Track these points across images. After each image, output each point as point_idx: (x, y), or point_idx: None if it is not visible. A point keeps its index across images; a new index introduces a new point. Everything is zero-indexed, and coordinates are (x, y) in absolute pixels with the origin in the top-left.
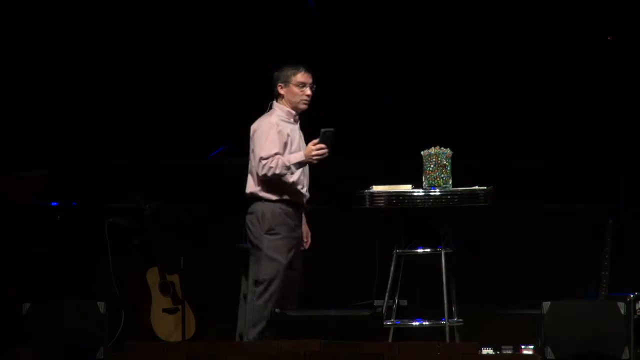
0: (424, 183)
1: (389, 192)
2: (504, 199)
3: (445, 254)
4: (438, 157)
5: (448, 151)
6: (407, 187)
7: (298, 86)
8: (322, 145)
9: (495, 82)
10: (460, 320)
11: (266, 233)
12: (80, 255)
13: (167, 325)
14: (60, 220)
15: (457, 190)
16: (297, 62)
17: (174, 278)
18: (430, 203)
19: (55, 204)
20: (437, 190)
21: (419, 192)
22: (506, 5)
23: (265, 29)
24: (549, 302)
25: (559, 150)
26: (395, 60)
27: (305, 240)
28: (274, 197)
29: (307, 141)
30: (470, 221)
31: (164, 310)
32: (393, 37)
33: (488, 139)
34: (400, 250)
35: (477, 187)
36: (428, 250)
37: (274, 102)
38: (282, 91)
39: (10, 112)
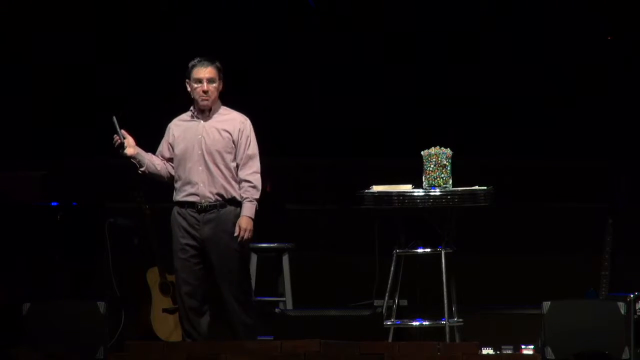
0: (424, 183)
1: (389, 192)
2: (504, 199)
3: (445, 254)
4: (438, 157)
5: (448, 151)
6: (407, 187)
7: (195, 82)
8: (115, 137)
9: (495, 82)
10: (460, 320)
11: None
12: (80, 255)
13: (167, 325)
14: (60, 220)
15: (457, 190)
16: (199, 55)
17: (174, 278)
18: (430, 203)
19: (55, 204)
20: (437, 190)
21: (419, 192)
22: (506, 4)
23: (265, 29)
24: (549, 302)
25: (559, 150)
26: (395, 60)
27: (235, 233)
28: (173, 198)
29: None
30: (470, 221)
31: (164, 310)
32: (392, 36)
33: (488, 139)
34: (400, 250)
35: (477, 187)
36: (428, 250)
37: None
38: (188, 88)
39: (10, 112)
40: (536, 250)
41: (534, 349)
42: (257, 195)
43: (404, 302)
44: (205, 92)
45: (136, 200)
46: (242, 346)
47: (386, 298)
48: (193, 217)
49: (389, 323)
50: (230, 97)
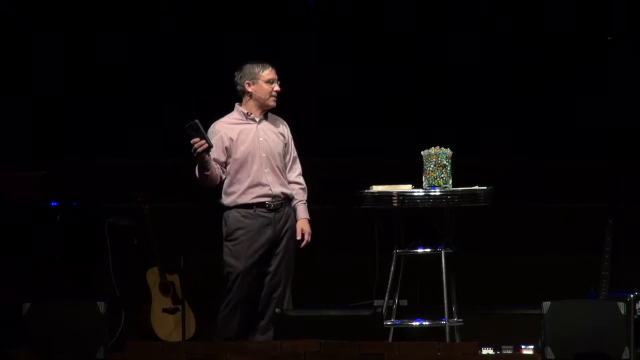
0: (424, 183)
1: (389, 192)
2: (504, 199)
3: (445, 254)
4: (438, 157)
5: (448, 151)
6: (407, 187)
7: (267, 82)
8: (195, 140)
9: (495, 82)
10: (460, 320)
11: (225, 240)
12: (80, 255)
13: (167, 325)
14: (60, 220)
15: (457, 190)
16: (262, 60)
17: (174, 278)
18: (430, 203)
19: (55, 204)
20: (437, 190)
21: (419, 192)
22: (506, 4)
23: (266, 29)
24: (549, 302)
25: (559, 150)
26: (395, 59)
27: (298, 237)
28: (229, 203)
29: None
30: (470, 221)
31: (164, 310)
32: (393, 36)
33: (488, 139)
34: (400, 250)
35: (477, 187)
36: (428, 250)
37: (237, 103)
38: (250, 89)
39: (10, 112)
40: (536, 250)
41: (534, 349)
42: (306, 196)
43: (404, 302)
44: (277, 92)
45: (136, 200)
46: (242, 346)
47: (386, 298)
48: (264, 216)
49: (389, 323)
50: (231, 98)
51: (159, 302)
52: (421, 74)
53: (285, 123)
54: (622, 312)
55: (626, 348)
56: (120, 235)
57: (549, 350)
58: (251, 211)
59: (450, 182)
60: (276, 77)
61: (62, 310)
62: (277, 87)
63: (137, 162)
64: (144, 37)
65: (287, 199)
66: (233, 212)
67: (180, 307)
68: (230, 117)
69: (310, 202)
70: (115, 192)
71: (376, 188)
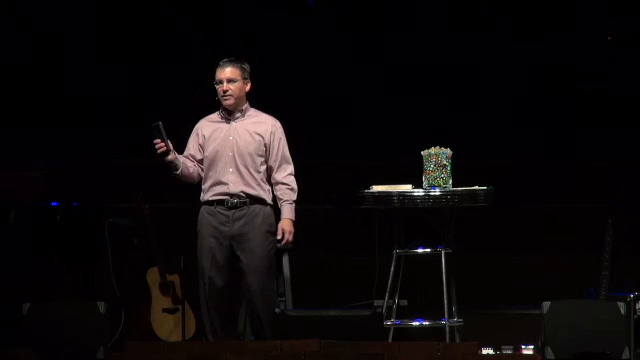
0: (424, 183)
1: (389, 192)
2: (504, 199)
3: (445, 254)
4: (438, 157)
5: (448, 151)
6: (407, 187)
7: (217, 84)
8: (157, 141)
9: (496, 82)
10: (460, 320)
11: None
12: (80, 255)
13: (167, 325)
14: (60, 220)
15: (457, 190)
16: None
17: (174, 278)
18: (430, 203)
19: (55, 204)
20: (437, 190)
21: (419, 192)
22: (506, 5)
23: (265, 29)
24: (549, 302)
25: (559, 150)
26: (395, 59)
27: (279, 236)
28: (201, 199)
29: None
30: (470, 221)
31: (164, 310)
32: (393, 36)
33: (488, 139)
34: (400, 250)
35: (477, 187)
36: (428, 250)
37: None
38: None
39: (10, 112)
40: (536, 250)
41: (534, 349)
42: (294, 197)
43: (404, 302)
44: (225, 91)
45: (136, 200)
46: (242, 346)
47: (386, 298)
48: (223, 214)
49: (389, 323)
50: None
51: (159, 302)
52: (421, 74)
53: (271, 123)
54: (622, 312)
55: (626, 348)
56: (120, 235)
57: (549, 350)
58: (212, 208)
59: (450, 182)
60: (227, 76)
61: (62, 310)
62: (223, 87)
63: (137, 162)
64: (143, 38)
65: (254, 199)
66: (202, 209)
67: (180, 307)
68: (213, 115)
69: (310, 202)
70: (115, 192)
71: (376, 188)
